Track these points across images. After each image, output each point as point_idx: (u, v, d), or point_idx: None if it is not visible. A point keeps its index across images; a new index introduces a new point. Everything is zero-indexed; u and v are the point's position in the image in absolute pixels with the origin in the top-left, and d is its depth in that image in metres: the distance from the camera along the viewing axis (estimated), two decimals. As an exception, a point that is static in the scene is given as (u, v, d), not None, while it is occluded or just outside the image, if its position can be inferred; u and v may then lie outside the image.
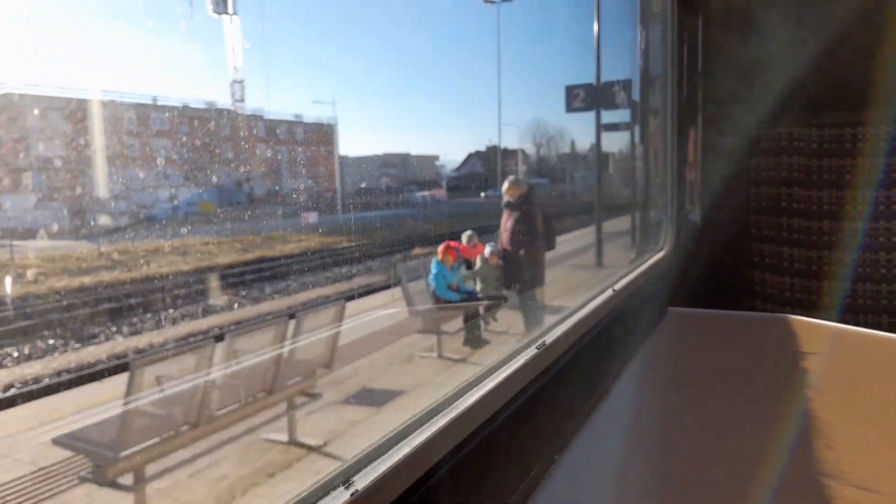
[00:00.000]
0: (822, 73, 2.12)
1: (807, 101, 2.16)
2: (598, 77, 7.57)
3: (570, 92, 7.79)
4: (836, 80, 2.10)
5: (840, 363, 1.48)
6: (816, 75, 2.13)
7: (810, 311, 2.16)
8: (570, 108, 8.01)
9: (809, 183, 2.18)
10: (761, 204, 2.26)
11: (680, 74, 2.36)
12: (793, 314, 1.80)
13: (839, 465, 0.97)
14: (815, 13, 2.13)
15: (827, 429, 1.10)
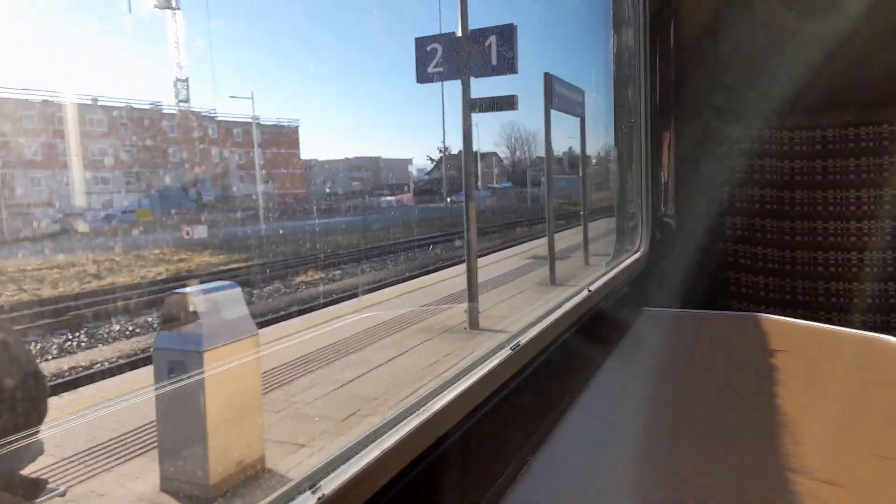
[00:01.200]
0: (794, 77, 2.15)
1: (779, 104, 2.20)
2: (464, 23, 4.26)
3: (422, 49, 4.19)
4: (809, 84, 2.13)
5: (811, 360, 1.49)
6: (789, 79, 2.16)
7: (784, 309, 2.19)
8: (422, 76, 4.38)
9: (782, 184, 2.21)
10: (735, 205, 2.28)
11: (653, 77, 2.38)
12: (767, 313, 1.82)
13: (807, 461, 0.98)
14: (784, 18, 2.17)
15: (796, 425, 1.10)
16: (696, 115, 2.32)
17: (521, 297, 5.20)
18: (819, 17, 2.13)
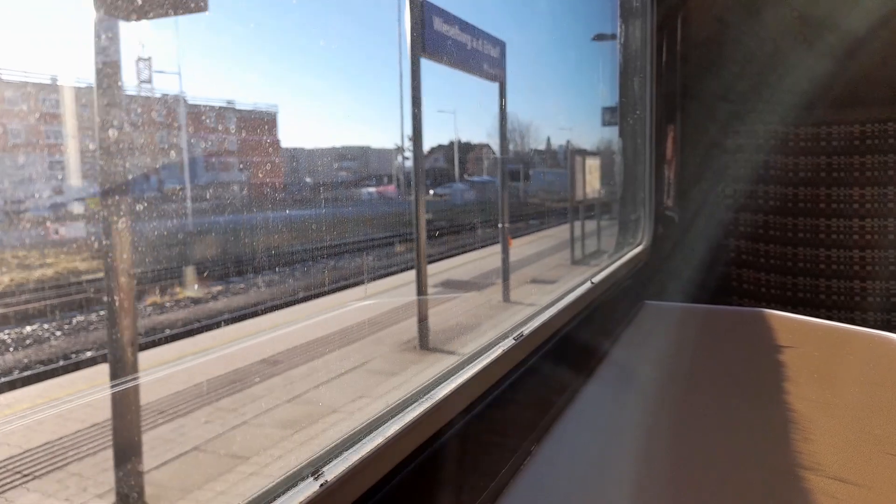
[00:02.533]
0: (799, 76, 2.14)
1: (784, 102, 2.18)
2: None
3: None
4: (813, 83, 2.12)
5: (815, 357, 1.48)
6: (794, 77, 2.15)
7: (785, 306, 2.18)
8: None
9: (785, 181, 2.20)
10: (738, 201, 2.27)
11: (659, 71, 2.36)
12: (768, 309, 1.81)
13: (816, 457, 0.97)
14: (788, 14, 2.15)
15: (803, 421, 1.09)
16: (701, 110, 2.31)
17: (335, 393, 2.65)
18: (824, 18, 2.12)
